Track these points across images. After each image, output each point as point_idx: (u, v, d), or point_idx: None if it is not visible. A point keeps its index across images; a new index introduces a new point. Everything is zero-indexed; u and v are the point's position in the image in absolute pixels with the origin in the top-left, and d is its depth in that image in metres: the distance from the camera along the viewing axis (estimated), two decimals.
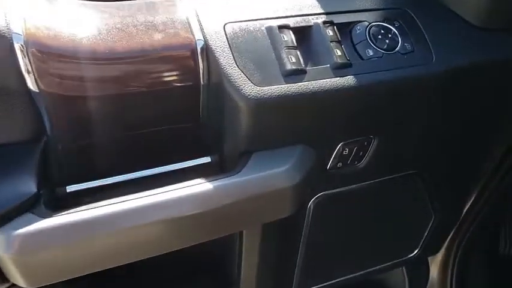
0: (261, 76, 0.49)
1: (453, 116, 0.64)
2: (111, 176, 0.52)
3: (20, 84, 0.45)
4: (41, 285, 0.48)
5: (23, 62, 0.44)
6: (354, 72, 0.52)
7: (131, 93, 0.49)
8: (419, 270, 1.00)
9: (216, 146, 0.56)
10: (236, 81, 0.48)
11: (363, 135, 0.59)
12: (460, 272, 1.02)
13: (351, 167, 0.62)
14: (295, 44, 0.51)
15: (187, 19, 0.51)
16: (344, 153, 0.59)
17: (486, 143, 0.75)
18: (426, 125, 0.62)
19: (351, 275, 0.82)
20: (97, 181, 0.52)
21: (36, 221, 0.43)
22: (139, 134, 0.53)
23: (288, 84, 0.49)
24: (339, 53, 0.52)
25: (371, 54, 0.53)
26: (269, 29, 0.51)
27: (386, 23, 0.56)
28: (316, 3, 0.55)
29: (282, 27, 0.51)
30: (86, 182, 0.51)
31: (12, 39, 0.43)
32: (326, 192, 0.64)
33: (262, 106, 0.48)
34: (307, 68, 0.51)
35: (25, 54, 0.43)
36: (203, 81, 0.51)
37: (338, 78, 0.51)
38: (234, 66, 0.48)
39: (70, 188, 0.51)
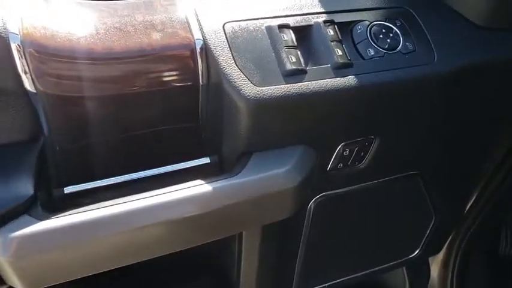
0: (260, 76, 0.48)
1: (455, 117, 0.63)
2: (110, 177, 0.52)
3: (17, 84, 0.44)
4: None
5: (20, 62, 0.43)
6: (355, 72, 0.51)
7: (129, 94, 0.49)
8: (420, 270, 1.00)
9: (215, 146, 0.56)
10: (236, 82, 0.47)
11: (364, 136, 0.58)
12: (460, 272, 1.02)
13: (351, 168, 0.61)
14: (296, 43, 0.51)
15: (186, 18, 0.50)
16: (345, 153, 0.58)
17: (487, 144, 0.75)
18: (427, 126, 0.62)
19: (352, 276, 0.81)
20: (95, 182, 0.51)
21: (33, 223, 0.42)
22: (138, 135, 0.53)
23: (288, 85, 0.49)
24: (340, 52, 0.51)
25: (372, 53, 0.53)
26: (269, 29, 0.51)
27: (387, 22, 0.55)
28: (317, 2, 0.55)
29: (282, 27, 0.51)
30: (83, 183, 0.51)
31: (8, 39, 0.43)
32: (326, 193, 0.64)
33: (262, 106, 0.48)
34: (308, 68, 0.50)
35: (22, 54, 0.43)
36: (202, 81, 0.50)
37: (339, 78, 0.51)
38: (234, 66, 0.48)
39: (68, 190, 0.50)
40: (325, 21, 0.53)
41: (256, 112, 0.48)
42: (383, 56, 0.53)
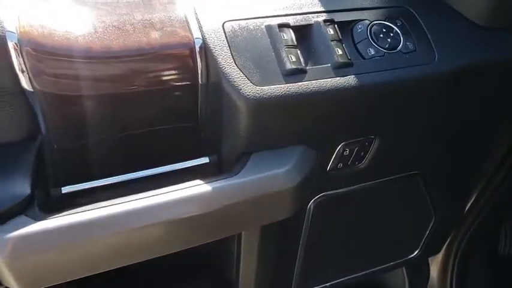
0: (260, 76, 0.48)
1: (455, 116, 0.63)
2: (108, 177, 0.52)
3: (14, 83, 0.44)
4: None
5: (17, 61, 0.43)
6: (355, 71, 0.51)
7: (128, 93, 0.49)
8: (419, 270, 1.00)
9: (215, 146, 0.55)
10: (235, 81, 0.47)
11: (364, 136, 0.58)
12: (460, 272, 1.02)
13: (351, 168, 0.61)
14: (296, 42, 0.51)
15: (186, 17, 0.50)
16: (345, 153, 0.58)
17: (487, 144, 0.75)
18: (428, 125, 0.62)
19: (351, 276, 0.81)
20: (93, 182, 0.51)
21: (30, 223, 0.42)
22: (136, 134, 0.52)
23: (288, 84, 0.48)
24: (340, 52, 0.51)
25: (372, 53, 0.53)
26: (269, 28, 0.50)
27: (388, 21, 0.55)
28: (317, 1, 0.55)
29: (282, 26, 0.51)
30: (81, 182, 0.50)
31: (5, 38, 0.42)
32: (326, 193, 0.64)
33: (262, 106, 0.48)
34: (308, 68, 0.50)
35: (19, 52, 0.43)
36: (201, 80, 0.50)
37: (339, 77, 0.50)
38: (233, 66, 0.48)
39: (65, 189, 0.50)
40: (325, 21, 0.52)
41: (255, 112, 0.48)
42: (383, 56, 0.53)
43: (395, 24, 0.55)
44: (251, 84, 0.47)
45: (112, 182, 0.51)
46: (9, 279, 0.43)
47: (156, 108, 0.51)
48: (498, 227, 1.05)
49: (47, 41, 0.44)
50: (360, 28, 0.54)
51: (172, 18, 0.49)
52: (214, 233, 0.53)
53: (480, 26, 0.58)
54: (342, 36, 0.53)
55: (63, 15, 0.47)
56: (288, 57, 0.49)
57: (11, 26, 0.43)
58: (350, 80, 0.51)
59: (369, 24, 0.54)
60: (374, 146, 0.60)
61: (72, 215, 0.43)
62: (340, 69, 0.51)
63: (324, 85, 0.50)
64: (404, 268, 0.97)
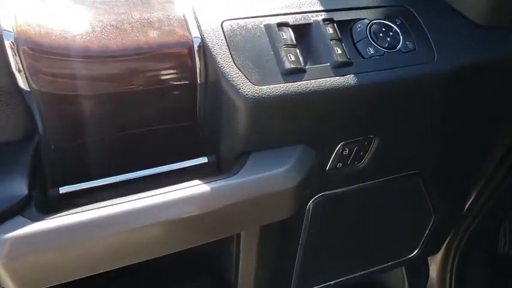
0: (259, 75, 0.48)
1: (455, 116, 0.63)
2: (106, 177, 0.51)
3: (11, 82, 0.44)
4: None
5: (13, 60, 0.43)
6: (355, 71, 0.51)
7: (126, 92, 0.48)
8: (419, 270, 1.00)
9: (213, 146, 0.55)
10: (234, 80, 0.47)
11: (364, 135, 0.58)
12: (459, 271, 1.02)
13: (351, 167, 0.61)
14: (295, 42, 0.50)
15: (184, 16, 0.50)
16: (344, 153, 0.58)
17: (487, 143, 0.75)
18: (427, 125, 0.62)
19: (351, 276, 0.81)
20: (91, 182, 0.51)
21: (27, 224, 0.42)
22: (134, 134, 0.52)
23: (287, 83, 0.48)
24: (339, 51, 0.51)
25: (372, 52, 0.53)
26: (268, 27, 0.50)
27: (387, 20, 0.55)
28: (316, 0, 0.54)
29: (281, 25, 0.50)
30: (79, 182, 0.50)
31: (2, 37, 0.42)
32: (325, 192, 0.63)
33: (261, 106, 0.47)
34: (307, 67, 0.50)
35: (16, 52, 0.42)
36: (200, 80, 0.50)
37: (338, 77, 0.50)
38: (232, 65, 0.47)
39: (63, 189, 0.50)
40: (324, 20, 0.52)
41: (254, 111, 0.48)
42: (383, 55, 0.53)
43: (395, 24, 0.55)
44: (250, 83, 0.47)
45: (110, 182, 0.51)
46: (7, 280, 0.43)
47: (154, 107, 0.51)
48: (498, 227, 1.05)
49: (44, 40, 0.44)
50: (359, 27, 0.54)
51: (170, 17, 0.49)
52: (213, 233, 0.52)
53: (480, 25, 0.58)
54: (341, 36, 0.52)
55: (61, 14, 0.47)
56: (287, 56, 0.49)
57: (8, 25, 0.42)
58: (349, 79, 0.50)
59: (368, 24, 0.54)
60: (373, 145, 0.59)
61: (70, 215, 0.43)
62: (340, 68, 0.50)
63: (323, 84, 0.49)
64: (403, 268, 0.97)
